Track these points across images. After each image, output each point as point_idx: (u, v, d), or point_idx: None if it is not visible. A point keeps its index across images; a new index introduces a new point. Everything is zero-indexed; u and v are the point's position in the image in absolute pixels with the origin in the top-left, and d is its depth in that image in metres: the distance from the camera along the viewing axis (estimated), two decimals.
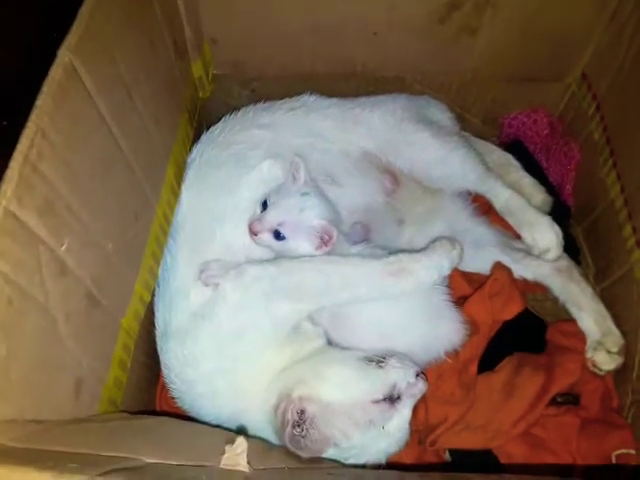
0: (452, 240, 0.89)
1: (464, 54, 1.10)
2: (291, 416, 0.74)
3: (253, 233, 0.86)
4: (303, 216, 0.86)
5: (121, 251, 0.72)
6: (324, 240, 0.85)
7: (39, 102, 0.53)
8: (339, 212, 0.94)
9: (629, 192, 0.97)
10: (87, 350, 0.65)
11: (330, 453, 0.75)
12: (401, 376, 0.79)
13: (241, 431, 0.77)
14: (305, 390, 0.76)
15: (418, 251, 0.87)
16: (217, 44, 1.09)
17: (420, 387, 0.79)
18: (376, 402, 0.77)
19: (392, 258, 0.84)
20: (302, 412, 0.74)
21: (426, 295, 0.88)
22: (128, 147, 0.72)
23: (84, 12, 0.61)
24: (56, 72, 0.56)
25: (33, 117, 0.53)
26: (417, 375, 0.80)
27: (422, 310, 0.88)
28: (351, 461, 0.77)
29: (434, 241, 0.89)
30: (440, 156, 1.03)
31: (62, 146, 0.56)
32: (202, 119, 1.14)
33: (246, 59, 1.13)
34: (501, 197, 1.04)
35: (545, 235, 1.00)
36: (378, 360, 0.80)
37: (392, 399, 0.78)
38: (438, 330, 0.90)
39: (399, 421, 0.78)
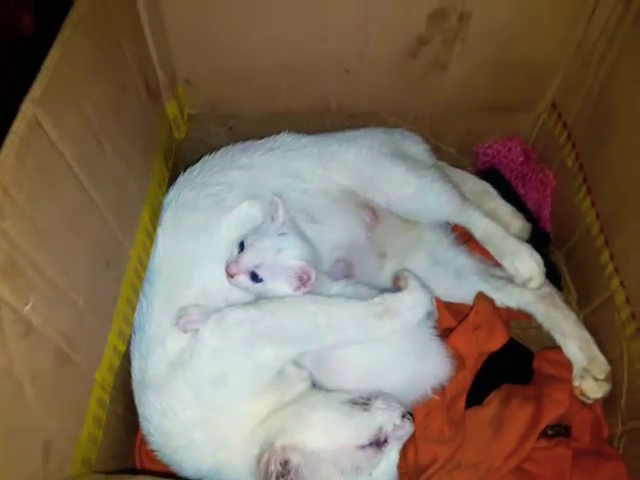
0: (409, 272, 0.89)
1: (436, 87, 1.11)
2: (274, 467, 0.71)
3: (230, 275, 0.84)
4: (280, 257, 0.84)
5: (92, 303, 0.69)
6: (302, 281, 0.83)
7: (0, 158, 0.51)
8: (318, 251, 0.92)
9: (604, 218, 0.98)
10: (56, 410, 0.62)
11: None
12: (387, 419, 0.77)
13: None
14: (288, 439, 0.74)
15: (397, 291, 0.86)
16: (191, 84, 1.09)
17: (407, 429, 0.77)
18: (362, 447, 0.74)
19: (377, 299, 0.82)
20: (286, 462, 0.72)
21: (411, 332, 0.87)
22: (98, 195, 0.70)
23: (49, 63, 0.60)
24: (19, 127, 0.54)
25: None
26: (403, 416, 0.78)
27: (407, 348, 0.87)
28: None
29: (401, 278, 0.88)
30: (416, 190, 1.03)
31: (25, 202, 0.54)
32: (179, 158, 1.14)
33: (221, 98, 1.13)
34: (479, 227, 1.05)
35: (526, 263, 1.00)
36: (363, 403, 0.78)
37: (379, 443, 0.75)
38: (424, 367, 0.88)
39: (386, 465, 0.76)
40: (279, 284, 0.84)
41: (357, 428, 0.76)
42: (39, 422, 0.59)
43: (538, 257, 1.01)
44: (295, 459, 0.72)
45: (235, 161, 1.00)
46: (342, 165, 1.03)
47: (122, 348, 0.81)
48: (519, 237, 1.13)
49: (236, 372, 0.78)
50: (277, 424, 0.77)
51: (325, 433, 0.75)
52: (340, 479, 0.73)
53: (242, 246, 0.86)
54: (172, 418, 0.78)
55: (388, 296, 0.83)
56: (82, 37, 0.66)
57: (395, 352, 0.85)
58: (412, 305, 0.83)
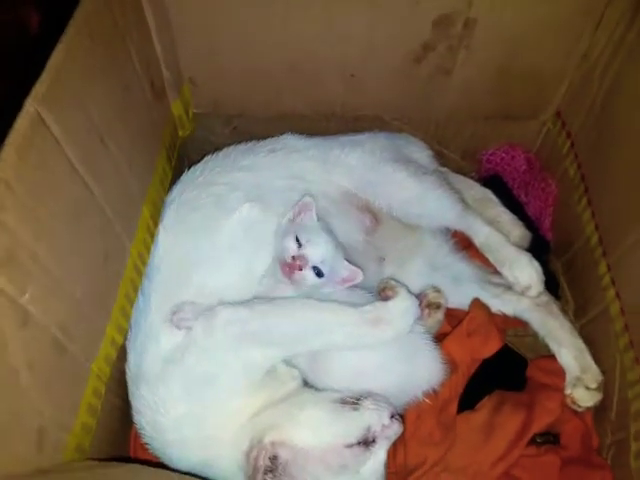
0: (393, 280, 0.91)
1: (440, 93, 1.12)
2: (263, 462, 0.72)
3: (294, 269, 0.86)
4: (338, 254, 0.90)
5: (91, 295, 0.71)
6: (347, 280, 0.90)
7: (2, 154, 0.53)
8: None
9: (603, 230, 0.98)
10: (52, 399, 0.63)
11: None
12: (375, 418, 0.78)
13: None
14: (277, 435, 0.75)
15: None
16: (196, 84, 1.10)
17: (395, 429, 0.78)
18: (350, 446, 0.75)
19: (368, 307, 0.83)
20: (275, 458, 0.73)
21: (404, 335, 0.88)
22: (100, 192, 0.72)
23: (53, 61, 0.62)
24: (21, 123, 0.56)
25: None
26: (392, 416, 0.79)
27: (400, 350, 0.87)
28: None
29: (387, 287, 0.89)
30: (417, 195, 1.03)
31: (26, 195, 0.56)
32: (183, 156, 1.16)
33: (226, 98, 1.14)
34: (480, 234, 1.05)
35: (525, 272, 1.01)
36: (353, 402, 0.79)
37: (367, 442, 0.77)
38: (416, 370, 0.89)
39: (374, 465, 0.77)
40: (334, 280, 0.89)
41: (346, 427, 0.77)
42: (34, 409, 0.61)
43: (537, 265, 1.01)
44: (284, 455, 0.73)
45: (238, 162, 1.01)
46: (344, 168, 1.04)
47: (120, 341, 0.83)
48: (519, 245, 1.14)
49: (226, 371, 0.79)
50: (267, 421, 0.78)
51: (314, 431, 0.76)
52: (327, 477, 0.74)
53: (297, 241, 0.88)
54: (164, 414, 0.79)
55: (379, 304, 0.84)
56: (87, 36, 0.68)
57: (387, 354, 0.86)
58: (402, 313, 0.84)
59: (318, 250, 0.87)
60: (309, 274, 0.87)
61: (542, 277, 1.01)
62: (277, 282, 0.90)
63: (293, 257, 0.86)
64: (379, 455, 0.77)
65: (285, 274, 0.87)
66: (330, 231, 0.93)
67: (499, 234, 1.05)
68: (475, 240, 1.06)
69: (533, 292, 1.01)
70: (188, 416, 0.79)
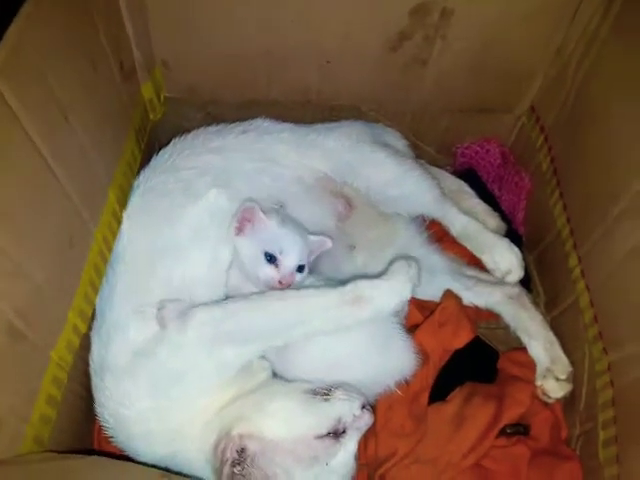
0: (408, 260, 0.86)
1: (416, 84, 1.11)
2: (230, 454, 0.71)
3: (287, 285, 0.86)
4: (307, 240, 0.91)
5: (52, 279, 0.68)
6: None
7: None
8: None
9: (574, 222, 0.98)
10: (7, 387, 0.61)
11: None
12: (346, 409, 0.77)
13: (169, 470, 0.73)
14: (246, 427, 0.73)
15: (377, 276, 0.84)
16: (169, 67, 1.07)
17: (366, 420, 0.77)
18: (320, 437, 0.74)
19: (349, 286, 0.81)
20: (242, 450, 0.71)
21: (376, 324, 0.87)
22: (63, 171, 0.69)
23: (12, 31, 0.59)
24: None
25: None
26: (363, 407, 0.78)
27: (372, 340, 0.87)
28: None
29: (392, 263, 0.86)
30: (397, 176, 1.03)
31: None
32: (154, 141, 1.12)
33: (200, 83, 1.11)
34: (457, 223, 1.05)
35: (505, 257, 1.02)
36: (324, 393, 0.78)
37: (337, 433, 0.75)
38: (388, 360, 0.89)
39: (344, 456, 0.76)
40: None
41: (317, 418, 0.76)
42: None
43: (517, 250, 1.02)
44: (252, 447, 0.71)
45: (207, 144, 0.98)
46: (320, 151, 1.02)
47: (83, 328, 0.80)
48: None
49: (196, 371, 0.77)
50: (235, 413, 0.76)
51: (284, 422, 0.75)
52: (296, 468, 0.73)
53: (270, 256, 0.87)
54: (128, 406, 0.77)
55: (361, 282, 0.81)
56: (50, 7, 0.65)
57: (358, 344, 0.85)
58: (388, 292, 0.82)
59: (295, 257, 0.87)
60: (296, 279, 0.87)
61: (522, 262, 1.02)
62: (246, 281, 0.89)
63: (280, 282, 0.86)
64: (349, 446, 0.76)
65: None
66: (288, 219, 0.92)
67: (476, 222, 1.05)
68: (452, 229, 1.06)
69: (514, 277, 1.01)
70: (154, 410, 0.77)
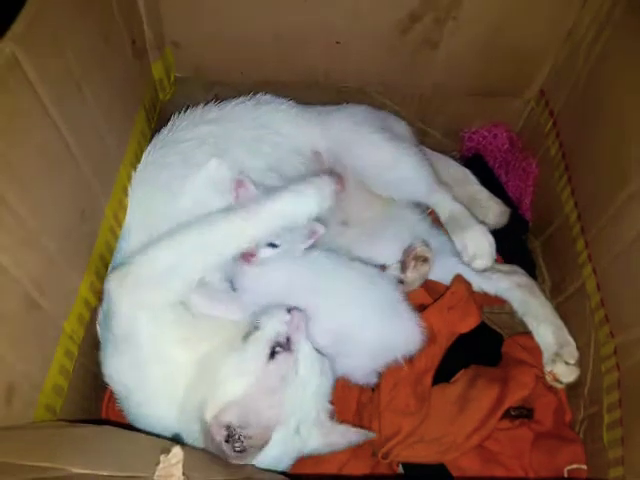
0: (329, 178, 0.84)
1: (425, 67, 1.11)
2: (220, 437, 0.69)
3: (250, 256, 0.84)
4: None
5: (65, 251, 0.69)
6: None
7: None
8: None
9: (582, 206, 0.99)
10: (21, 354, 0.61)
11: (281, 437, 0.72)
12: (276, 323, 0.77)
13: (179, 440, 0.74)
14: (213, 407, 0.72)
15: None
16: (179, 47, 1.07)
17: (297, 317, 0.77)
18: (271, 360, 0.74)
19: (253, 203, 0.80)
20: (227, 426, 0.70)
21: (383, 292, 0.89)
22: (76, 143, 0.69)
23: (32, 2, 0.59)
24: None
25: None
26: (289, 311, 0.78)
27: (379, 308, 0.88)
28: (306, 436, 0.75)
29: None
30: (392, 160, 1.02)
31: None
32: (163, 122, 1.11)
33: (209, 63, 1.11)
34: (447, 209, 1.04)
35: (476, 241, 0.99)
36: (254, 327, 0.78)
37: (282, 346, 0.75)
38: (396, 330, 0.89)
39: (306, 358, 0.76)
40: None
41: (256, 349, 0.75)
42: (3, 363, 0.59)
43: (491, 239, 0.99)
44: (230, 417, 0.70)
45: (204, 115, 0.98)
46: (319, 128, 1.02)
47: (93, 302, 0.80)
48: (498, 222, 1.14)
49: (144, 328, 0.76)
50: (198, 399, 0.74)
51: (236, 377, 0.74)
52: (277, 398, 0.72)
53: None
54: (117, 382, 0.78)
55: (269, 195, 0.81)
56: None
57: (365, 312, 0.86)
58: (289, 202, 0.80)
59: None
60: (265, 252, 0.85)
61: (493, 252, 0.99)
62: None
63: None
64: (303, 347, 0.76)
65: (244, 265, 0.85)
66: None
67: (464, 208, 1.03)
68: (441, 216, 1.05)
69: (479, 263, 0.99)
70: (134, 385, 0.77)
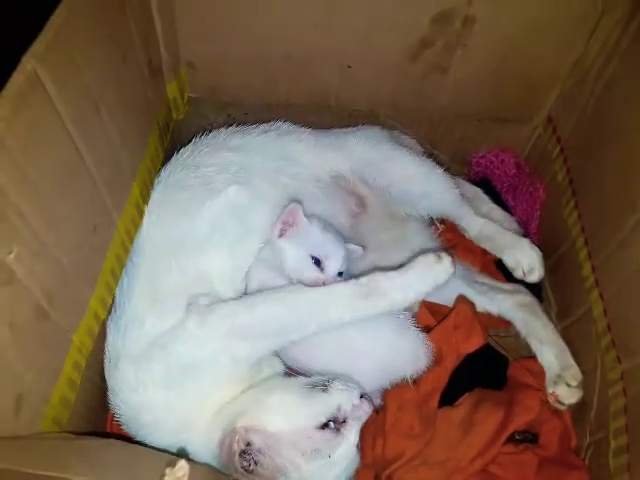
0: (439, 254, 0.84)
1: (435, 92, 1.13)
2: (237, 447, 0.71)
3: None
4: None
5: (76, 264, 0.70)
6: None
7: None
8: None
9: (589, 232, 0.99)
10: (31, 364, 0.62)
11: None
12: (345, 398, 0.78)
13: (184, 454, 0.74)
14: (248, 420, 0.74)
15: (397, 268, 0.84)
16: (194, 68, 1.10)
17: (365, 409, 0.78)
18: (321, 429, 0.75)
19: (363, 279, 0.81)
20: (248, 444, 0.72)
21: (391, 316, 0.89)
22: (91, 159, 0.71)
23: (54, 21, 0.61)
24: (17, 78, 0.55)
25: None
26: (362, 396, 0.79)
27: (386, 331, 0.88)
28: None
29: (418, 255, 0.85)
30: (421, 172, 1.05)
31: (17, 152, 0.55)
32: (176, 141, 1.14)
33: (222, 84, 1.14)
34: (475, 225, 1.07)
35: (527, 254, 1.03)
36: (322, 384, 0.79)
37: (337, 422, 0.76)
38: (402, 352, 0.89)
39: (345, 448, 0.77)
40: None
41: (315, 408, 0.76)
42: (13, 373, 0.59)
43: (538, 249, 1.03)
44: (257, 440, 0.73)
45: (227, 142, 1.00)
46: (341, 151, 1.04)
47: (103, 316, 0.81)
48: None
49: (211, 364, 0.78)
50: (237, 409, 0.77)
51: (283, 415, 0.76)
52: (301, 460, 0.73)
53: (314, 259, 0.89)
54: (141, 393, 0.78)
55: (378, 274, 0.81)
56: (88, 1, 0.67)
57: (372, 334, 0.86)
58: (402, 286, 0.81)
59: (339, 262, 0.90)
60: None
61: (543, 261, 1.03)
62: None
63: (324, 283, 0.87)
64: (350, 437, 0.77)
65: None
66: (327, 225, 0.93)
67: (494, 223, 1.07)
68: (469, 231, 1.08)
69: (536, 275, 1.02)
70: (165, 399, 0.78)
